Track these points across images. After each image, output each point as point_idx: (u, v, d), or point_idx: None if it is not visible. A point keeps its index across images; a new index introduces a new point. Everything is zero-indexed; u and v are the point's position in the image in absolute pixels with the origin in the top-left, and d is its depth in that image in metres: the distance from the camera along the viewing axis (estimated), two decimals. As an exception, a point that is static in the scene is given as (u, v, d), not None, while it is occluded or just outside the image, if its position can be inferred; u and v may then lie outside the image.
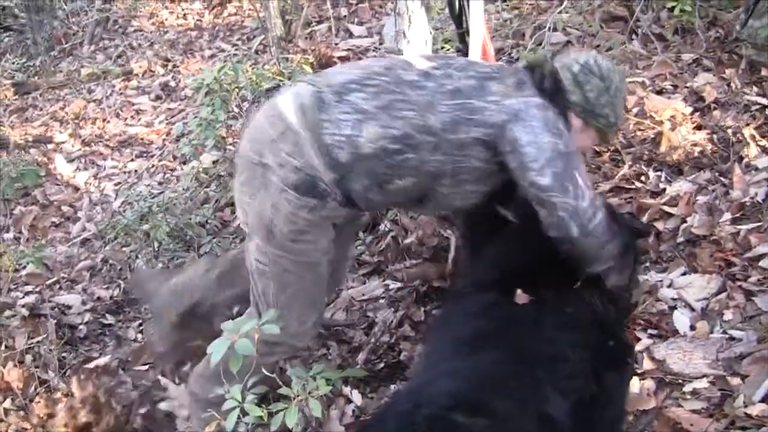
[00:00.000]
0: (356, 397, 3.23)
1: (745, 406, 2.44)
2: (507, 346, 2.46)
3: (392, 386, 3.32)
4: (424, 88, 2.67)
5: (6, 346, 3.92)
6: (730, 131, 3.80)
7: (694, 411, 2.53)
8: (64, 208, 6.02)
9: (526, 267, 2.80)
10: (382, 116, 2.63)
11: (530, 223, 2.74)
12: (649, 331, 2.90)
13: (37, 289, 4.86)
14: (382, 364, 3.49)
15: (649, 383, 2.68)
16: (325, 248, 2.87)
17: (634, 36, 4.90)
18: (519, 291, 2.62)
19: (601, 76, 2.72)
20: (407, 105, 2.64)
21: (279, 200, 2.69)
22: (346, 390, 3.23)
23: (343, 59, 6.23)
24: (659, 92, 4.34)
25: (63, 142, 7.07)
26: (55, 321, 4.26)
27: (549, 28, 4.74)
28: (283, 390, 2.64)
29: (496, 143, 2.63)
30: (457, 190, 2.77)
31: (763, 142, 3.69)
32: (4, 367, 3.62)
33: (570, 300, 2.65)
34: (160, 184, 5.91)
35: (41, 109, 7.95)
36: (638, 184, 3.75)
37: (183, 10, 9.02)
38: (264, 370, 2.68)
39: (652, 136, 3.99)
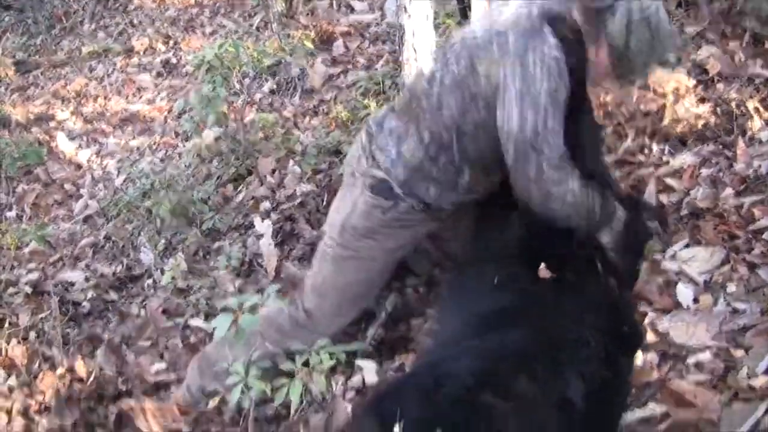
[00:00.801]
0: (369, 366, 3.24)
1: (749, 378, 2.43)
2: (530, 326, 2.44)
3: (397, 358, 3.32)
4: (431, 95, 2.84)
5: (10, 323, 3.95)
6: (733, 104, 3.78)
7: (697, 383, 2.52)
8: (67, 186, 6.03)
9: (547, 243, 2.78)
10: (411, 129, 2.89)
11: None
12: (653, 304, 2.89)
13: (41, 267, 4.88)
14: (388, 338, 3.50)
15: (653, 356, 2.67)
16: (389, 250, 3.13)
17: (637, 9, 4.87)
18: (542, 265, 2.62)
19: (653, 35, 2.63)
20: (425, 112, 2.85)
21: (358, 200, 3.01)
22: (356, 361, 3.25)
23: (344, 35, 6.22)
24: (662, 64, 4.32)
25: (65, 120, 7.08)
26: (58, 298, 4.29)
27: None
28: (286, 365, 2.64)
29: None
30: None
31: (767, 115, 3.67)
32: (8, 344, 3.64)
33: (589, 282, 2.66)
34: (162, 161, 5.92)
35: (42, 88, 7.95)
36: (641, 158, 3.74)
37: (184, -14, 8.99)
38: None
39: (656, 109, 3.97)
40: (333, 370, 2.88)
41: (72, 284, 4.65)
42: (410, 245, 3.21)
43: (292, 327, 3.13)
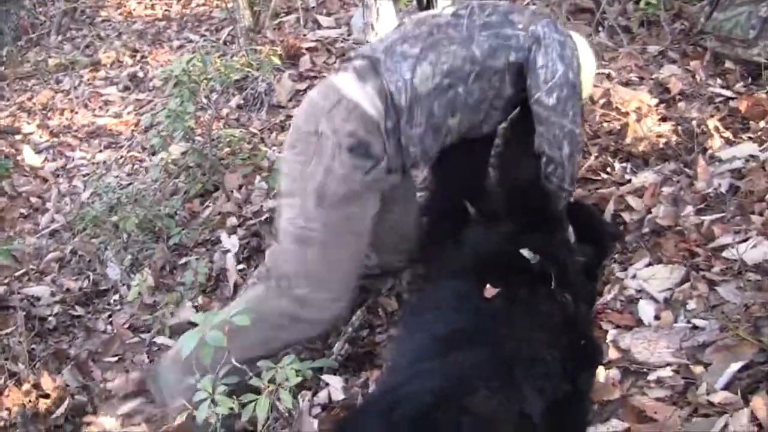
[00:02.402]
0: (335, 381, 3.26)
1: (708, 394, 2.46)
2: (485, 345, 2.51)
3: (363, 374, 3.34)
4: (459, 25, 2.98)
5: (-25, 339, 3.92)
6: (694, 123, 3.84)
7: (658, 399, 2.55)
8: (33, 200, 5.98)
9: (500, 261, 2.86)
10: (430, 55, 2.91)
11: (500, 222, 2.95)
12: (614, 322, 2.93)
13: (6, 281, 4.84)
14: (354, 353, 3.52)
15: (614, 372, 2.70)
16: (370, 218, 3.05)
17: (600, 28, 4.97)
18: (488, 286, 2.71)
19: (580, 39, 3.20)
20: (450, 41, 2.94)
21: (332, 163, 2.88)
22: (323, 377, 3.27)
23: (311, 50, 6.23)
24: (625, 84, 4.38)
25: (31, 133, 7.02)
26: (24, 313, 4.25)
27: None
28: (254, 381, 2.66)
29: (524, 65, 2.97)
30: (490, 119, 3.12)
31: (726, 134, 3.74)
32: (-27, 360, 3.62)
33: (543, 298, 2.72)
34: (128, 175, 5.89)
35: (8, 100, 7.87)
36: (604, 176, 3.80)
37: (151, 0, 8.97)
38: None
39: (618, 127, 4.03)
40: (299, 386, 2.89)
41: (38, 299, 4.62)
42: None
43: (291, 322, 3.04)
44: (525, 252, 2.86)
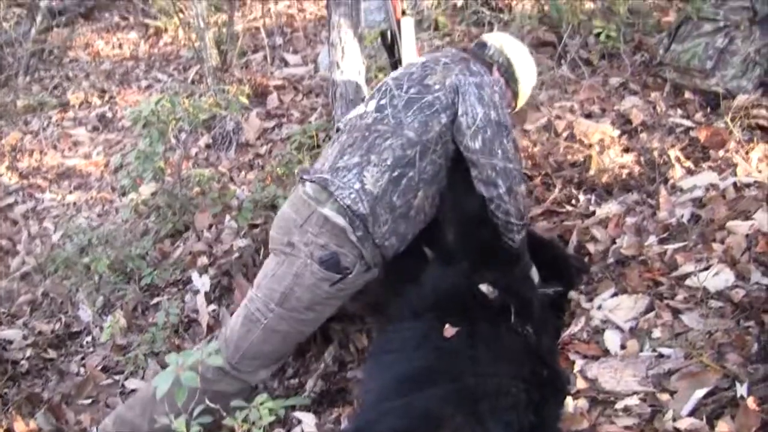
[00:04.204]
0: (307, 419, 3.29)
1: (674, 421, 2.49)
2: (448, 382, 2.56)
3: (335, 410, 3.36)
4: (385, 117, 3.12)
5: (-53, 383, 3.90)
6: (656, 153, 3.91)
7: (626, 427, 2.57)
8: (3, 242, 5.95)
9: (459, 298, 2.92)
10: (372, 157, 3.05)
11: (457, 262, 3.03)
12: (581, 352, 2.96)
13: (-23, 325, 4.82)
14: (326, 390, 3.54)
15: (583, 402, 2.72)
16: (324, 318, 3.26)
17: (562, 61, 5.02)
18: (447, 326, 2.77)
19: (521, 51, 3.45)
20: (383, 137, 3.08)
21: (303, 272, 3.05)
22: (295, 414, 3.29)
23: (278, 88, 6.28)
24: (588, 116, 4.46)
25: (0, 175, 7.01)
26: (-4, 357, 4.24)
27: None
28: (228, 421, 2.67)
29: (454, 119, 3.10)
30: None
31: (687, 164, 3.80)
32: (-54, 405, 3.60)
33: (503, 331, 2.77)
34: (99, 216, 5.88)
35: (-24, 142, 7.86)
36: (569, 207, 3.85)
37: (118, 40, 8.96)
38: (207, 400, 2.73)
39: (582, 159, 4.10)
40: (272, 424, 2.90)
41: (10, 342, 4.59)
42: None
43: (215, 375, 3.15)
44: (483, 287, 2.92)
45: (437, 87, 3.09)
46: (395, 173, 3.03)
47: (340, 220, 3.01)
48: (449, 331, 2.75)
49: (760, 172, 3.61)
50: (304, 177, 3.23)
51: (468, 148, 3.04)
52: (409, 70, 3.28)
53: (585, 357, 2.93)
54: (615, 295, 3.17)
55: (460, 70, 3.11)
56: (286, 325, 3.15)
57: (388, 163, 3.03)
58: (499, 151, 3.02)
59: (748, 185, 3.45)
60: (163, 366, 3.36)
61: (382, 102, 3.16)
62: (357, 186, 3.02)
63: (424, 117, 3.06)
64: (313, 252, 3.04)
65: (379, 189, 3.02)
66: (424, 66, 3.22)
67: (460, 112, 3.04)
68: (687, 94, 4.37)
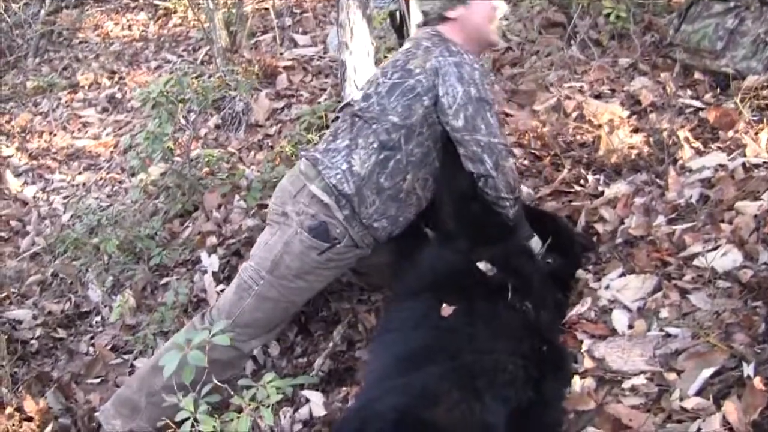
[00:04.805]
0: (315, 397, 3.32)
1: (681, 400, 2.49)
2: (446, 360, 2.58)
3: (343, 389, 3.38)
4: (371, 105, 3.17)
5: (-43, 363, 3.92)
6: (665, 134, 3.88)
7: (633, 406, 2.58)
8: (13, 223, 5.98)
9: (457, 276, 2.94)
10: (359, 141, 3.14)
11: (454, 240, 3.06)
12: (589, 332, 2.96)
13: (-13, 305, 4.85)
14: (334, 369, 3.56)
15: (590, 382, 2.73)
16: (315, 290, 3.34)
17: (572, 42, 5.00)
18: (444, 305, 2.80)
19: None
20: (369, 123, 3.15)
21: (293, 240, 3.15)
22: (303, 392, 3.31)
23: (288, 69, 6.27)
24: (597, 96, 4.44)
25: (10, 156, 7.03)
26: (6, 336, 4.25)
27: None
28: (235, 399, 2.68)
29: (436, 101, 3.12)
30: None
31: (696, 144, 3.78)
32: (-44, 384, 3.62)
33: (501, 308, 2.79)
34: (108, 196, 5.91)
35: (-14, 123, 7.88)
36: (577, 188, 3.84)
37: (128, 21, 8.98)
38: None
39: (591, 140, 4.08)
40: (280, 402, 2.91)
41: (20, 322, 4.63)
42: (333, 279, 3.41)
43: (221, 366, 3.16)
44: (481, 265, 2.94)
45: (418, 71, 3.11)
46: (381, 156, 3.12)
47: (326, 198, 3.10)
48: (446, 310, 2.78)
49: (769, 152, 3.59)
50: (302, 153, 3.32)
51: (452, 127, 3.07)
52: (396, 57, 3.30)
53: (592, 336, 2.93)
54: (623, 275, 3.17)
55: (440, 52, 3.12)
56: (276, 293, 3.21)
57: (375, 146, 3.12)
58: (483, 126, 3.05)
59: (757, 166, 3.43)
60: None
61: (369, 91, 3.22)
62: (344, 167, 3.12)
63: (406, 101, 3.10)
64: (303, 221, 3.14)
65: (366, 170, 3.11)
66: (407, 51, 3.24)
67: (441, 93, 3.06)
68: (697, 75, 4.34)
